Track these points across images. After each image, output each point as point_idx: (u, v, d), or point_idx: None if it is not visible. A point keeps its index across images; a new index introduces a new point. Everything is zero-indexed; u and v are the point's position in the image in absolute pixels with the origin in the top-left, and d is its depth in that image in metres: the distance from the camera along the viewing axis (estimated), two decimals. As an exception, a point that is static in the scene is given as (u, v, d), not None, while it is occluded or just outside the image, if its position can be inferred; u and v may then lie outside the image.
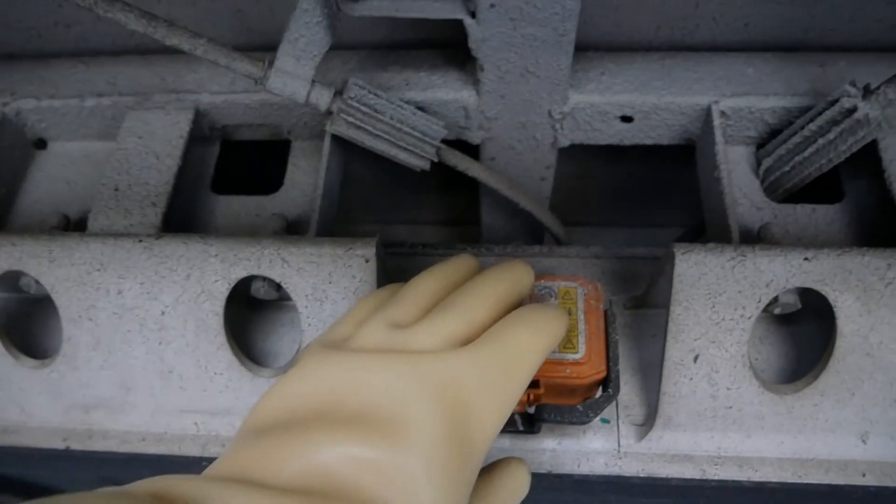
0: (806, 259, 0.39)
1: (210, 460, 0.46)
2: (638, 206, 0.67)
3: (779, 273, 0.39)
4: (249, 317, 0.50)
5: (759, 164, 0.49)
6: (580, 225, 0.67)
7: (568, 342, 0.40)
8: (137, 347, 0.44)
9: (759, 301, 0.40)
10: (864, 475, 0.42)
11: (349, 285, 0.41)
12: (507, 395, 0.28)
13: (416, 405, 0.25)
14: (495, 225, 0.61)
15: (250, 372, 0.44)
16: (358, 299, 0.38)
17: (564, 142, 0.51)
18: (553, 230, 0.55)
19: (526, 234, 0.63)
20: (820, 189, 0.49)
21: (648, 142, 0.51)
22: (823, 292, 0.40)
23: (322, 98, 0.43)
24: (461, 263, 0.35)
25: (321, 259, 0.41)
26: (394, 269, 0.51)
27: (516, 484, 0.33)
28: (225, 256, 0.42)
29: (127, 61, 0.53)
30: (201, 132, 0.51)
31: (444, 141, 0.50)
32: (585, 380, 0.40)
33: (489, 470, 0.33)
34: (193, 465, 0.46)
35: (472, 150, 0.52)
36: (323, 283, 0.42)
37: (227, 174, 0.54)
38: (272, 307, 0.50)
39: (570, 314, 0.41)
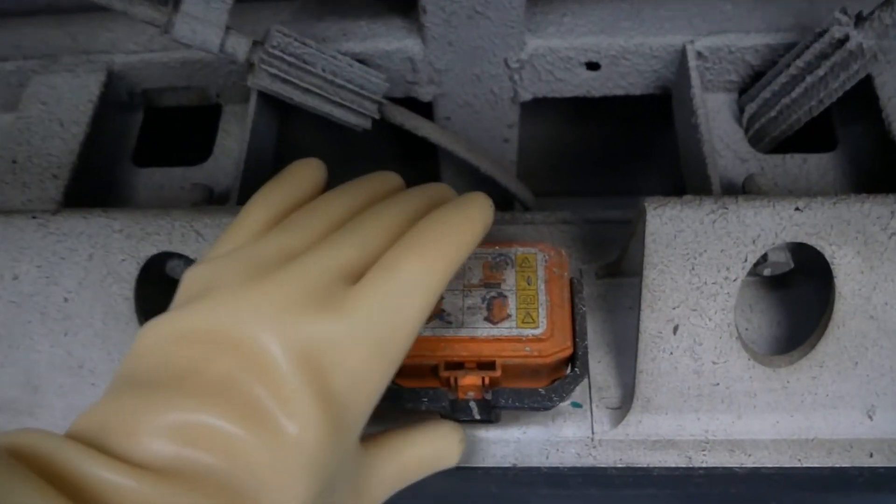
0: (797, 209, 0.34)
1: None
2: (614, 173, 0.61)
3: (766, 227, 0.34)
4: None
5: (742, 111, 0.43)
6: (552, 195, 0.62)
7: (527, 316, 0.35)
8: (41, 340, 0.39)
9: (746, 260, 0.35)
10: (871, 455, 0.37)
11: (274, 259, 0.36)
12: (390, 353, 0.25)
13: (295, 385, 0.22)
14: (458, 192, 0.56)
15: (170, 363, 0.38)
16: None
17: (526, 95, 0.46)
18: (519, 196, 0.50)
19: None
20: (811, 137, 0.44)
21: (619, 92, 0.46)
22: (819, 247, 0.34)
23: (239, 47, 0.38)
24: (383, 180, 0.31)
25: (240, 230, 0.36)
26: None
27: (442, 448, 0.32)
28: (131, 232, 0.36)
29: (35, 22, 0.47)
30: (119, 97, 0.46)
31: (394, 101, 0.44)
32: (548, 358, 0.35)
33: (414, 429, 0.31)
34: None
35: (426, 110, 0.47)
36: (244, 257, 0.36)
37: (153, 146, 0.48)
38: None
39: (529, 284, 0.36)
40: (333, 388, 0.23)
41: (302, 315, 0.23)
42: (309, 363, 0.22)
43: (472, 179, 0.54)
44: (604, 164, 0.62)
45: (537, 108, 0.50)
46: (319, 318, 0.23)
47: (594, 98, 0.48)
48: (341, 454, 0.24)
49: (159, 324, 0.24)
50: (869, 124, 0.42)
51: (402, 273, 0.25)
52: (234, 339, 0.22)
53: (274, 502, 0.21)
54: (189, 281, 0.26)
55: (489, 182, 0.50)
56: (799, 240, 0.34)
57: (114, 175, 0.45)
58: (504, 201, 0.56)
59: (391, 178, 0.32)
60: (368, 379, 0.25)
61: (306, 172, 0.32)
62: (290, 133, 0.57)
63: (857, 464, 0.37)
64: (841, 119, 0.44)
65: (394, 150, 0.60)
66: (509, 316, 0.35)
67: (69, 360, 0.39)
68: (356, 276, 0.25)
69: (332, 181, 0.65)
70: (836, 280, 0.35)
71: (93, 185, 0.43)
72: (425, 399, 0.34)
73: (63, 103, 0.43)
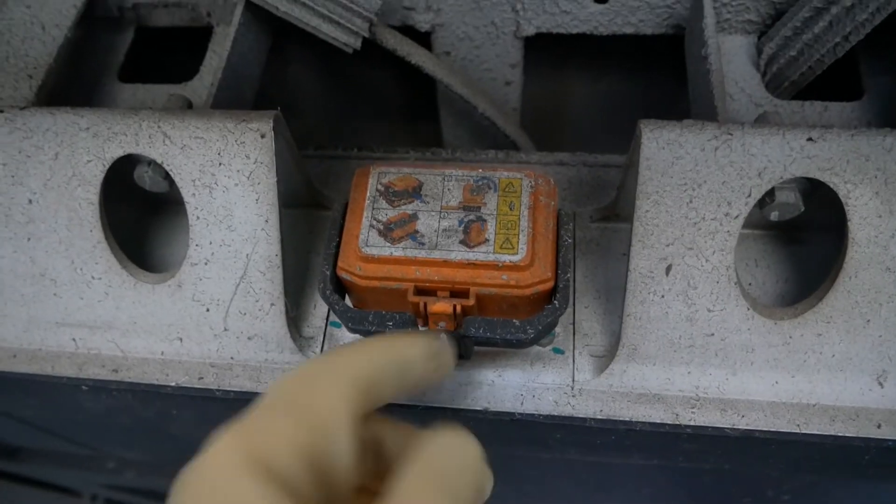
0: (810, 139, 0.31)
1: (88, 382, 0.39)
2: (624, 132, 0.58)
3: (774, 158, 0.31)
4: (148, 221, 0.43)
5: (760, 54, 0.40)
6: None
7: (506, 241, 0.32)
8: (4, 245, 0.37)
9: (749, 195, 0.32)
10: (879, 426, 0.34)
11: (242, 167, 0.34)
12: None
13: None
14: (458, 142, 0.53)
15: (133, 277, 0.37)
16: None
17: (529, 29, 0.43)
18: (518, 141, 0.47)
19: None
20: (836, 89, 0.40)
21: (629, 30, 0.43)
22: (832, 184, 0.31)
23: (224, -52, 0.36)
24: None
25: (209, 134, 0.34)
26: (324, 174, 0.43)
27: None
28: (98, 130, 0.35)
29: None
30: (108, 11, 0.44)
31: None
32: (527, 290, 0.32)
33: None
34: (70, 387, 0.39)
35: (424, 42, 0.44)
36: (211, 164, 0.34)
37: (144, 67, 0.47)
38: (174, 211, 0.42)
39: (511, 209, 0.33)
40: None
41: None
42: None
43: (473, 125, 0.52)
44: (614, 122, 0.58)
45: (544, 61, 0.48)
46: None
47: (606, 47, 0.45)
48: None
49: None
50: (900, 74, 0.39)
51: None
52: None
53: None
54: None
55: (490, 129, 0.47)
56: (810, 174, 0.31)
57: (97, 89, 0.43)
58: (507, 146, 0.54)
59: None
60: None
61: None
62: (282, 67, 0.55)
63: (864, 434, 0.34)
64: (869, 68, 0.40)
65: (394, 102, 0.58)
66: (487, 240, 0.32)
67: (32, 268, 0.37)
68: None
69: (328, 122, 0.63)
70: (849, 224, 0.31)
71: (72, 96, 0.42)
72: (390, 323, 0.32)
73: (46, 8, 0.41)
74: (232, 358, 0.37)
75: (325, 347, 0.37)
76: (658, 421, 0.35)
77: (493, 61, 0.46)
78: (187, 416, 0.43)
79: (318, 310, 0.39)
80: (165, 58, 0.48)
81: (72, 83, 0.42)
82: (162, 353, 0.37)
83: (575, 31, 0.43)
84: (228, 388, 0.37)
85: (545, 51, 0.48)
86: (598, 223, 0.39)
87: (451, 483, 0.22)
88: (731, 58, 0.41)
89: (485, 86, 0.48)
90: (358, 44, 0.40)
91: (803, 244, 0.38)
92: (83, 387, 0.39)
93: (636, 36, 0.43)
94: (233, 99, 0.40)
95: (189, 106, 0.39)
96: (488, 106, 0.45)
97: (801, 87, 0.39)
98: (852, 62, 0.41)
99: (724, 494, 0.62)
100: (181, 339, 0.37)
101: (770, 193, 0.33)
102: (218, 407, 0.39)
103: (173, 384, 0.37)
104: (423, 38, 0.45)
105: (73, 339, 0.38)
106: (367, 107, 0.59)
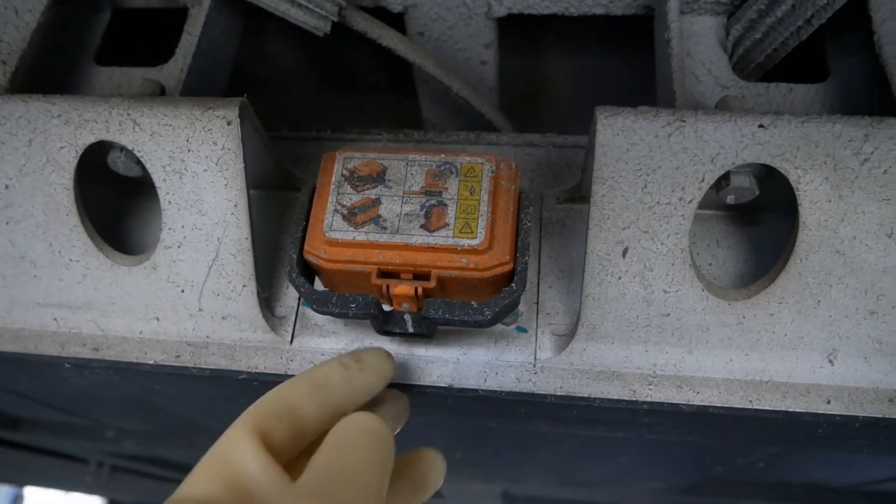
0: (761, 126, 0.31)
1: (70, 360, 0.40)
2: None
3: (727, 144, 0.32)
4: (124, 204, 0.44)
5: (728, 35, 0.40)
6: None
7: (465, 226, 0.33)
8: (-16, 228, 0.38)
9: (703, 180, 0.32)
10: (828, 402, 0.35)
11: (210, 153, 0.35)
12: None
13: None
14: (438, 123, 0.54)
15: (109, 259, 0.38)
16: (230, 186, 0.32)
17: (500, 10, 0.43)
18: (495, 121, 0.47)
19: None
20: (804, 72, 0.41)
21: (599, 11, 0.43)
22: (783, 170, 0.32)
23: (190, -68, 0.36)
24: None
25: (177, 121, 0.34)
26: (299, 157, 0.44)
27: (428, 474, 0.33)
28: (69, 118, 0.35)
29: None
30: (82, -6, 0.45)
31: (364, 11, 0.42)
32: (487, 272, 0.33)
33: (404, 461, 0.33)
34: (55, 365, 0.40)
35: (398, 23, 0.45)
36: (181, 150, 0.35)
37: (121, 49, 0.47)
38: (148, 194, 0.43)
39: (472, 194, 0.34)
40: None
41: None
42: None
43: (450, 108, 0.52)
44: (591, 102, 0.59)
45: (519, 40, 0.48)
46: None
47: (581, 26, 0.45)
48: None
49: None
50: (864, 56, 0.39)
51: None
52: None
53: None
54: None
55: (469, 110, 0.48)
56: (762, 160, 0.32)
57: (73, 72, 0.44)
58: (486, 127, 0.54)
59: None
60: None
61: None
62: (261, 46, 0.55)
63: (813, 409, 0.35)
64: (835, 50, 0.40)
65: (374, 80, 0.58)
66: (447, 225, 0.33)
67: (11, 251, 0.39)
68: None
69: (308, 100, 0.64)
70: (800, 208, 0.32)
71: (49, 80, 0.42)
72: (353, 305, 0.33)
73: (20, -8, 0.41)
74: (207, 337, 0.38)
75: (297, 327, 0.39)
76: (616, 397, 0.36)
77: (467, 41, 0.46)
78: (169, 391, 0.44)
79: (291, 290, 0.40)
80: (144, 40, 0.48)
81: (48, 67, 0.43)
82: (140, 333, 0.39)
83: (546, 11, 0.43)
84: (204, 366, 0.38)
85: (520, 30, 0.48)
86: (563, 204, 0.40)
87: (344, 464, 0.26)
88: (700, 39, 0.41)
89: (460, 66, 0.48)
90: (328, 27, 0.40)
91: (763, 225, 0.39)
92: (66, 364, 0.40)
93: (608, 16, 0.43)
94: (205, 83, 0.40)
95: (162, 90, 0.40)
96: (463, 86, 0.45)
97: (768, 68, 0.40)
98: (818, 43, 0.41)
99: (696, 463, 0.64)
100: (158, 319, 0.38)
101: (726, 177, 0.33)
102: (196, 383, 0.41)
103: (151, 362, 0.38)
104: (397, 20, 0.45)
105: (55, 319, 0.40)
106: (346, 85, 0.60)
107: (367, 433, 0.27)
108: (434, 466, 0.34)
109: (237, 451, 0.26)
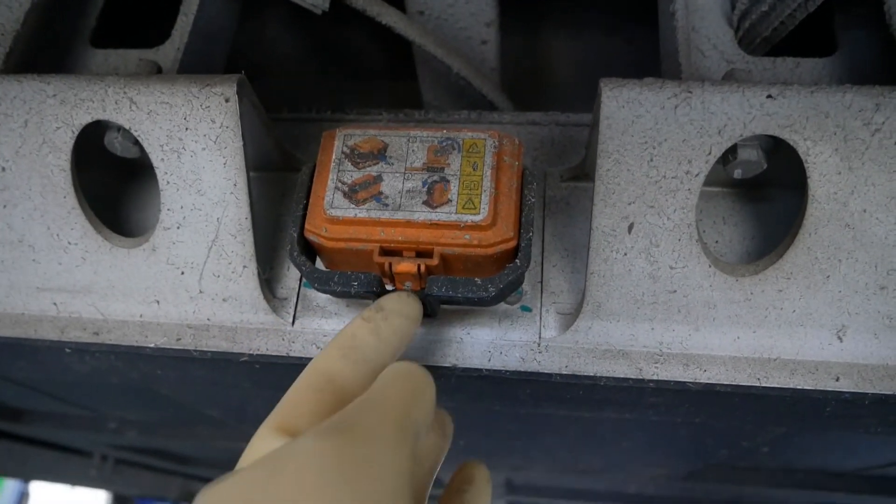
0: (770, 97, 0.31)
1: (71, 345, 0.40)
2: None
3: (734, 115, 0.31)
4: (122, 186, 0.43)
5: (734, 9, 0.40)
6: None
7: (468, 202, 0.33)
8: (-19, 211, 0.38)
9: (710, 153, 0.32)
10: (837, 379, 0.35)
11: (209, 132, 0.34)
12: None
13: None
14: (437, 102, 0.53)
15: (108, 242, 0.37)
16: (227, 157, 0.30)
17: (500, -14, 0.43)
18: (496, 101, 0.47)
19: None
20: (812, 47, 0.40)
21: (602, -14, 0.42)
22: (792, 142, 0.31)
23: None
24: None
25: (174, 99, 0.34)
26: (299, 138, 0.43)
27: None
28: (65, 97, 0.35)
29: None
30: (77, -25, 0.44)
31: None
32: (490, 249, 0.33)
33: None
34: (55, 350, 0.40)
35: (397, 3, 0.44)
36: (178, 129, 0.34)
37: (116, 30, 0.46)
38: (147, 175, 0.43)
39: (474, 170, 0.33)
40: None
41: None
42: None
43: (450, 89, 0.52)
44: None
45: (522, 18, 0.47)
46: None
47: (583, 3, 0.45)
48: None
49: None
50: (873, 29, 0.38)
51: None
52: None
53: None
54: None
55: (470, 91, 0.47)
56: (770, 132, 0.31)
57: (68, 54, 0.43)
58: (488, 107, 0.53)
59: None
60: None
61: None
62: (260, 28, 0.55)
63: (822, 387, 0.35)
64: (843, 22, 0.40)
65: (374, 61, 0.57)
66: (450, 201, 0.32)
67: (10, 234, 0.38)
68: None
69: (307, 82, 0.63)
70: (809, 181, 0.32)
71: (43, 62, 0.42)
72: (355, 283, 0.33)
73: (14, -28, 0.41)
74: (208, 319, 0.38)
75: (299, 308, 0.38)
76: (622, 376, 0.35)
77: (468, 20, 0.45)
78: (171, 376, 0.44)
79: (293, 271, 0.39)
80: (140, 22, 0.48)
81: (42, 49, 0.42)
82: (140, 316, 0.38)
83: (547, -12, 0.42)
84: (206, 349, 0.38)
85: (522, 9, 0.47)
86: (567, 182, 0.40)
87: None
88: (705, 14, 0.40)
89: (461, 45, 0.47)
90: (326, 5, 0.39)
91: (770, 201, 0.38)
92: (66, 349, 0.40)
93: (610, -8, 0.43)
94: (202, 64, 0.40)
95: (159, 71, 0.39)
96: (464, 65, 0.45)
97: (775, 42, 0.39)
98: (827, 16, 0.40)
99: (700, 447, 0.64)
100: (158, 302, 0.38)
101: (733, 151, 0.33)
102: (198, 367, 0.40)
103: (152, 345, 0.38)
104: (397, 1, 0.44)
105: (55, 304, 0.39)
106: (346, 66, 0.59)
107: (397, 368, 0.27)
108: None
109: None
